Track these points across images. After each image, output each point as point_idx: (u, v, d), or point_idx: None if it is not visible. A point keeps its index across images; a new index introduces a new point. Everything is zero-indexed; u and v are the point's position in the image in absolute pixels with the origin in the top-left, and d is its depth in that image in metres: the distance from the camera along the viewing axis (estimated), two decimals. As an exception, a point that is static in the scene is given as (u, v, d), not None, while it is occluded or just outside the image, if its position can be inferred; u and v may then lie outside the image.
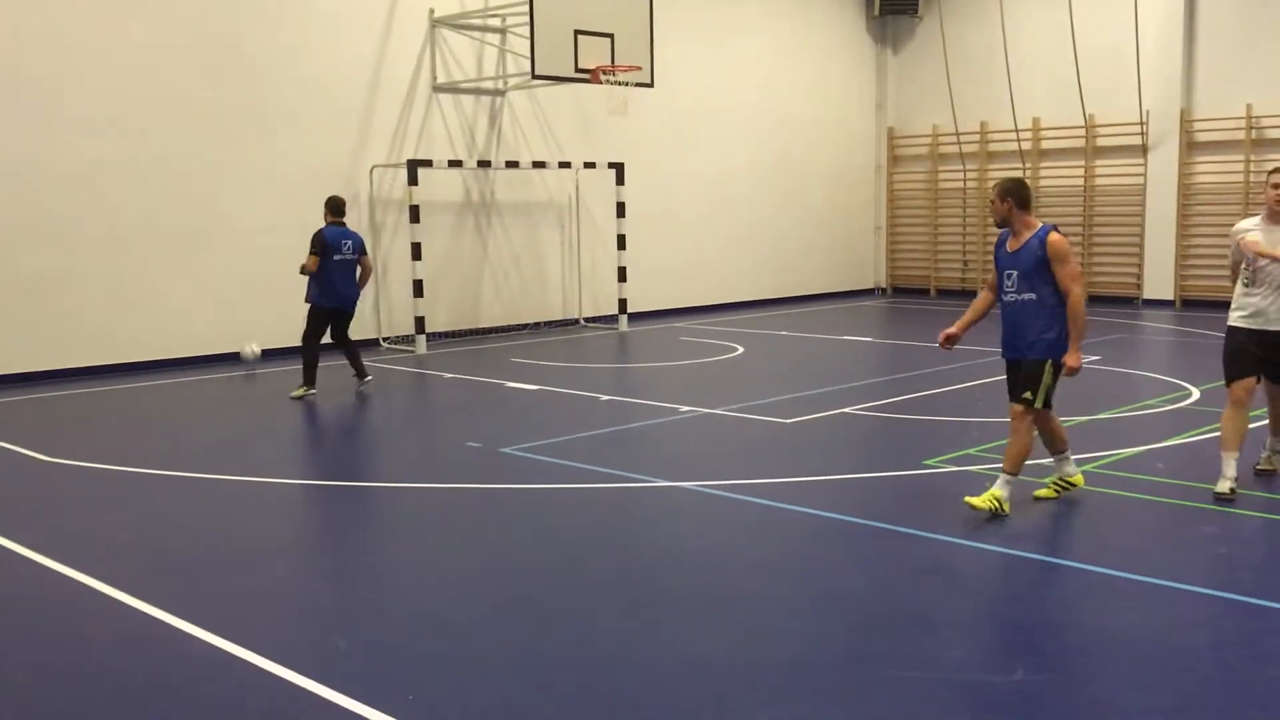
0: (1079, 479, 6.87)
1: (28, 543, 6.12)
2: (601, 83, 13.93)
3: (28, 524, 6.58)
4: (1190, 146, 17.41)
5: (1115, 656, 4.52)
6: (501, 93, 15.39)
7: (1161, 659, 4.50)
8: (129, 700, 4.29)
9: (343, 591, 5.54)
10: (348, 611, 5.23)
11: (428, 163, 14.05)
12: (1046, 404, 6.54)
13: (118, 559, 5.96)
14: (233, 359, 12.96)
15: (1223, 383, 6.98)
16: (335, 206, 10.99)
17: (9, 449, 8.56)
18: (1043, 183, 18.99)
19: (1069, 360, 6.42)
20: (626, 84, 14.16)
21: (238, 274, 13.17)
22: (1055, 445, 6.81)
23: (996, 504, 6.36)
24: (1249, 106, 16.62)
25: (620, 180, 15.91)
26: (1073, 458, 6.88)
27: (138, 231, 12.44)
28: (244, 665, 4.50)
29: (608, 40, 13.94)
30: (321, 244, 10.68)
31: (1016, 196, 6.84)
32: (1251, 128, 16.68)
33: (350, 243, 10.88)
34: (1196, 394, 9.94)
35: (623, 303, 16.14)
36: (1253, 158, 16.76)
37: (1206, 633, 4.78)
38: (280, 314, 13.50)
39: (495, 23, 15.00)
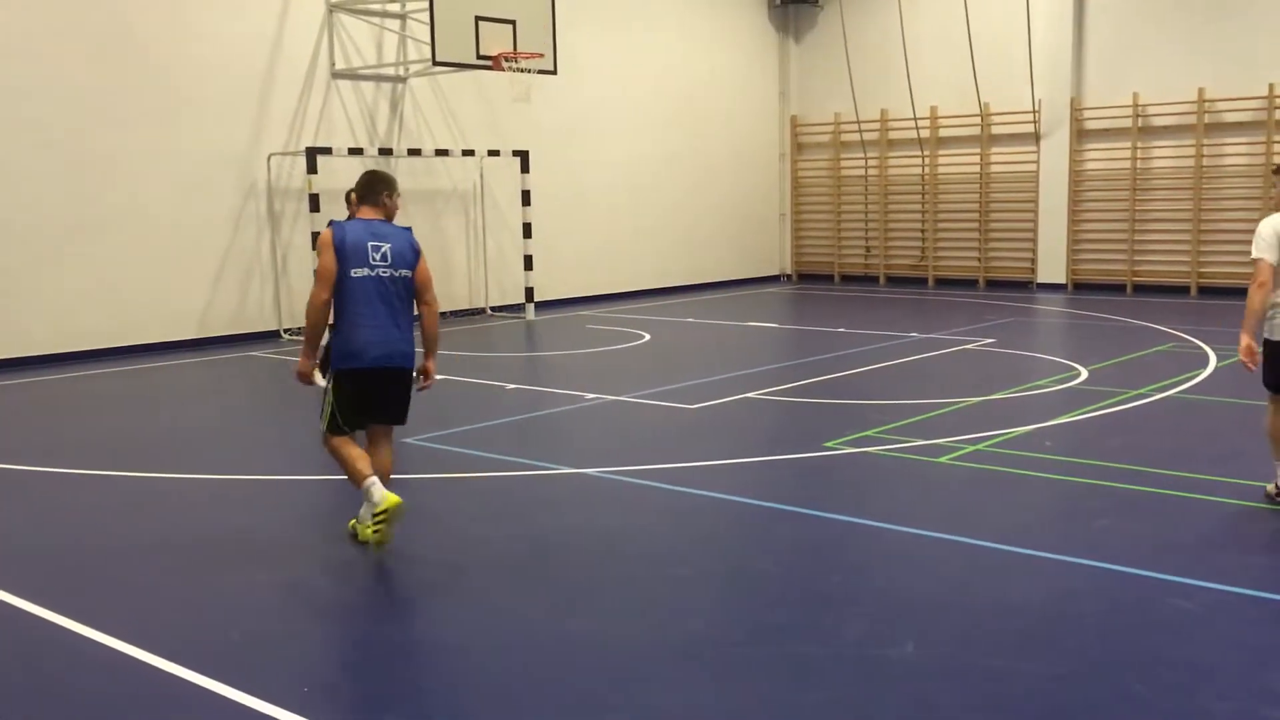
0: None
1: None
2: (504, 70, 13.84)
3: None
4: (1080, 134, 17.94)
5: (1007, 628, 4.67)
6: (403, 79, 15.19)
7: (1050, 629, 4.65)
8: (20, 703, 4.16)
9: (239, 587, 5.43)
10: (244, 607, 5.13)
11: (327, 150, 13.81)
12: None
13: (25, 564, 5.77)
14: (123, 352, 12.61)
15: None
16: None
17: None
18: (940, 170, 19.39)
19: None
20: (529, 71, 14.09)
21: (129, 265, 12.81)
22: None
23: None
24: (1135, 95, 17.19)
25: (525, 168, 15.82)
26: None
27: (22, 221, 12.00)
28: (141, 665, 4.40)
29: (509, 27, 13.85)
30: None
31: None
32: (1138, 115, 17.24)
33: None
34: (1085, 374, 10.27)
35: (529, 291, 16.08)
36: (1139, 144, 17.34)
37: (1093, 602, 4.95)
38: (172, 305, 13.19)
39: (395, 8, 14.79)
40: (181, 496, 7.01)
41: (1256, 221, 17.44)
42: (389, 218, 5.86)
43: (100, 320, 12.62)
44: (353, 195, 7.18)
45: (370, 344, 5.63)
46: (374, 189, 5.81)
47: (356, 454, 5.67)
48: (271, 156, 13.86)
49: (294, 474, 7.43)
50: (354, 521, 5.90)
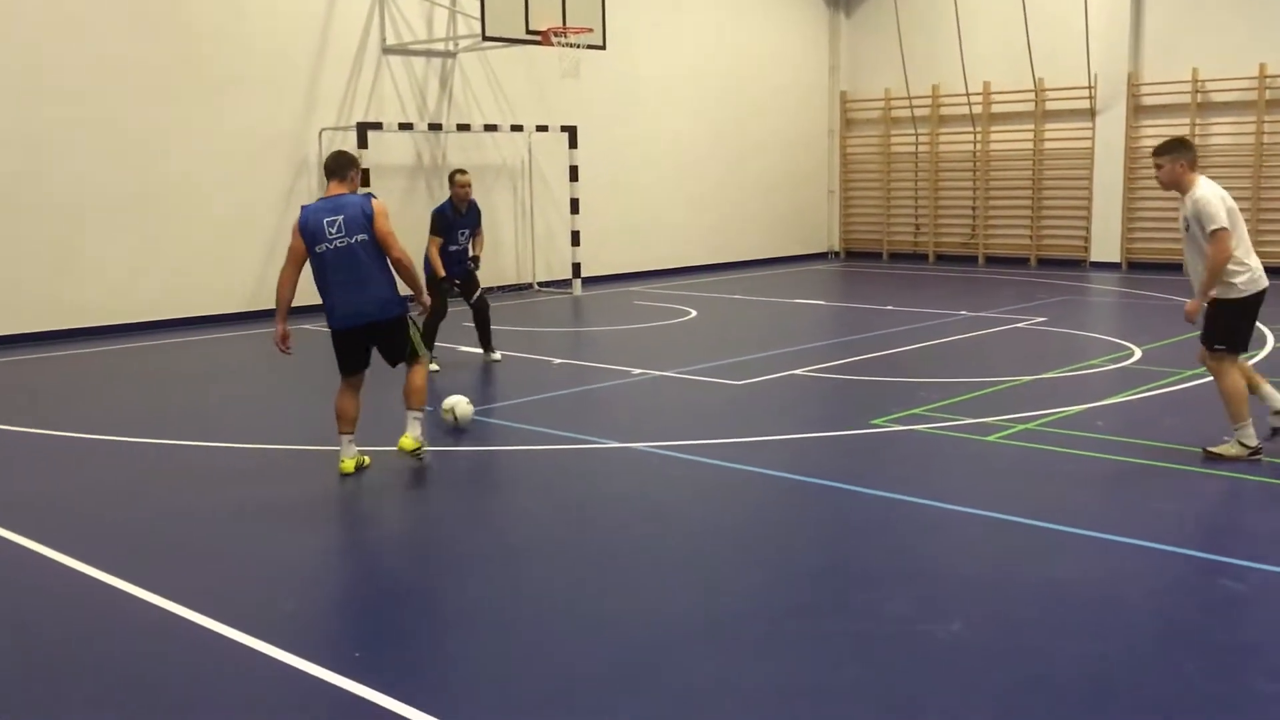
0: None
1: (-30, 509, 6.06)
2: (553, 44, 13.84)
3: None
4: (1137, 110, 17.61)
5: (1053, 607, 4.64)
6: (452, 54, 15.24)
7: (1098, 609, 4.62)
8: (72, 661, 4.28)
9: (292, 553, 5.53)
10: (299, 574, 5.23)
11: (378, 125, 13.91)
12: None
13: (59, 522, 5.92)
14: (181, 324, 12.83)
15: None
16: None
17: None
18: (993, 147, 19.13)
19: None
20: (578, 46, 14.07)
21: (183, 239, 13.00)
22: None
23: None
24: (1195, 70, 16.83)
25: (574, 144, 15.83)
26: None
27: (79, 197, 12.23)
28: (197, 628, 4.51)
29: (559, 2, 13.83)
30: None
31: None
32: (1197, 91, 16.89)
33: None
34: (1139, 353, 10.13)
35: (576, 267, 16.12)
36: (1198, 121, 16.99)
37: (1142, 582, 4.91)
38: (225, 279, 13.37)
39: (445, -17, 14.83)
40: (232, 465, 7.14)
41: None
42: (353, 190, 6.71)
43: (154, 293, 12.84)
44: (457, 175, 10.07)
45: (335, 308, 6.57)
46: (343, 166, 6.72)
47: (341, 407, 6.73)
48: (323, 132, 13.98)
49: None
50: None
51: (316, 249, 6.45)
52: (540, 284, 16.42)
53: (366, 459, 6.80)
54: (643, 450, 7.18)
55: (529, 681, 4.07)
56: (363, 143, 13.63)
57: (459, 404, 7.77)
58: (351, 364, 6.76)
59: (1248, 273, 6.62)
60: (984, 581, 4.95)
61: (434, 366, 9.67)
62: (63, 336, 12.10)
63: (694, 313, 13.72)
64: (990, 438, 7.29)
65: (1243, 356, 6.91)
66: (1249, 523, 5.72)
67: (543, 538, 5.69)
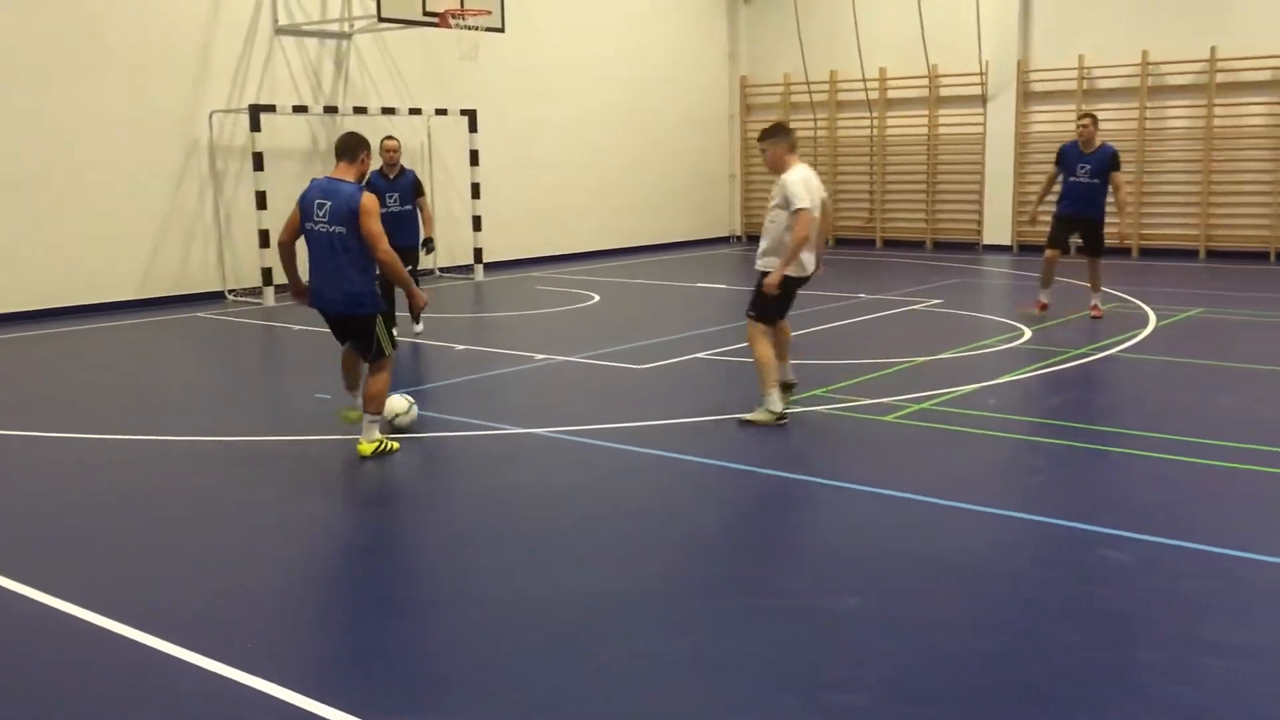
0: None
1: None
2: (451, 27, 13.67)
3: None
4: (1027, 96, 18.09)
5: (946, 580, 4.77)
6: (348, 36, 14.95)
7: (987, 581, 4.76)
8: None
9: (184, 547, 5.40)
10: (203, 571, 5.10)
11: (271, 108, 13.58)
12: None
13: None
14: (65, 313, 12.40)
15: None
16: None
17: None
18: (890, 132, 19.48)
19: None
20: (477, 28, 13.92)
21: (66, 224, 12.54)
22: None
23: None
24: (1081, 57, 17.34)
25: (474, 128, 15.67)
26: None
27: (-44, 180, 11.71)
28: (86, 626, 4.37)
29: (457, -17, 13.66)
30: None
31: None
32: (1084, 78, 17.42)
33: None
34: (1029, 334, 10.43)
35: (478, 252, 15.98)
36: (1085, 107, 17.51)
37: (1029, 555, 5.07)
38: (113, 266, 12.96)
39: (340, -37, 14.53)
40: (128, 457, 6.93)
41: (1199, 184, 17.73)
42: (360, 177, 6.64)
43: (38, 281, 12.37)
44: (383, 140, 10.32)
45: (313, 288, 6.71)
46: (351, 148, 6.60)
47: (343, 366, 7.10)
48: (214, 114, 13.60)
49: (244, 434, 7.36)
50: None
51: (306, 226, 6.57)
52: (442, 270, 16.25)
53: (355, 414, 6.98)
54: (547, 435, 7.17)
55: (443, 666, 4.04)
56: (255, 125, 13.31)
57: (400, 411, 7.25)
58: (339, 338, 7.00)
59: (809, 257, 7.31)
60: (880, 556, 5.07)
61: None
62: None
63: (597, 297, 13.72)
64: (888, 417, 7.45)
65: None
66: (1129, 495, 5.94)
67: (450, 524, 5.65)
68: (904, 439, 7.07)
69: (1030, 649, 4.12)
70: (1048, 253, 11.39)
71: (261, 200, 13.56)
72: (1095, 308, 11.23)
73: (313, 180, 6.76)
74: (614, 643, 4.22)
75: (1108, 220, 11.31)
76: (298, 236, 6.68)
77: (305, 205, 6.57)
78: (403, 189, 10.42)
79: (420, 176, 11.05)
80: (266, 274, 13.63)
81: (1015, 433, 7.10)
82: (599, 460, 6.72)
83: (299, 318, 12.29)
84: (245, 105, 13.55)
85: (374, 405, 6.73)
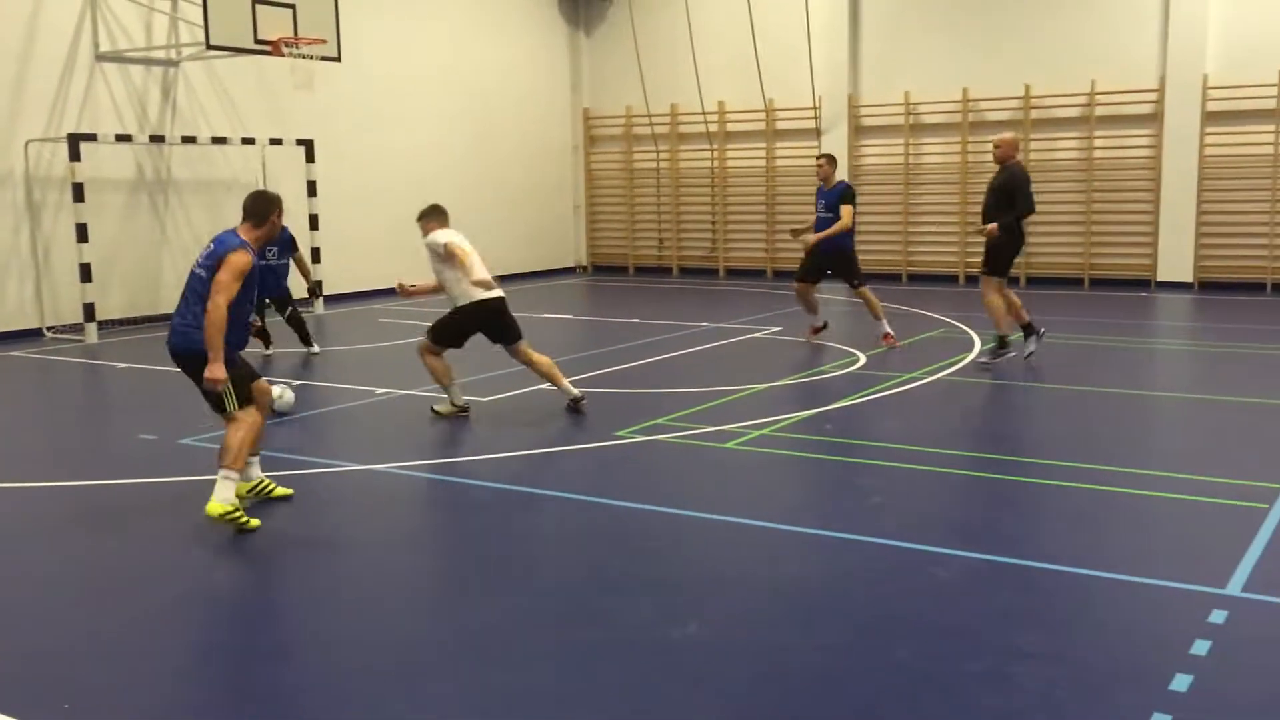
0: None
1: None
2: (284, 55, 13.36)
3: None
4: (858, 130, 18.77)
5: (783, 603, 4.86)
6: (175, 63, 14.45)
7: (823, 602, 4.87)
8: None
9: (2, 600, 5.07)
10: (9, 621, 4.79)
11: (92, 137, 13.01)
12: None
13: None
14: None
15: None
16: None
17: None
18: (729, 163, 19.91)
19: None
20: (311, 57, 13.65)
21: None
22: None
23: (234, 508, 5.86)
24: (907, 94, 18.10)
25: (310, 158, 15.34)
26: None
27: None
28: None
29: (289, 11, 13.38)
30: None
31: None
32: (910, 113, 18.18)
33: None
34: (864, 359, 10.77)
35: (317, 284, 15.59)
36: (911, 141, 18.29)
37: (862, 574, 5.21)
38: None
39: (165, -12, 14.06)
40: (-74, 509, 6.47)
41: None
42: (266, 239, 6.43)
43: None
44: None
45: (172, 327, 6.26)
46: (260, 211, 6.33)
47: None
48: (29, 143, 12.94)
49: (65, 480, 6.97)
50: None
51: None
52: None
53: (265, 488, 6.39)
54: (385, 471, 7.02)
55: (282, 716, 3.88)
56: (75, 155, 12.72)
57: (284, 392, 8.31)
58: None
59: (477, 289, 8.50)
60: (719, 583, 5.13)
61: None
62: None
63: (441, 329, 13.53)
64: (728, 444, 7.56)
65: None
66: (956, 514, 6.18)
67: (280, 565, 5.46)
68: (744, 465, 7.19)
69: (863, 667, 4.22)
70: (797, 286, 11.96)
71: (83, 233, 12.94)
72: (887, 336, 11.48)
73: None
74: (449, 679, 4.14)
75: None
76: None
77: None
78: (281, 244, 11.28)
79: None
80: (89, 310, 13.00)
81: (851, 456, 7.31)
82: (440, 496, 6.62)
83: (125, 354, 11.76)
84: (64, 134, 12.94)
85: (225, 458, 5.95)
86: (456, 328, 8.57)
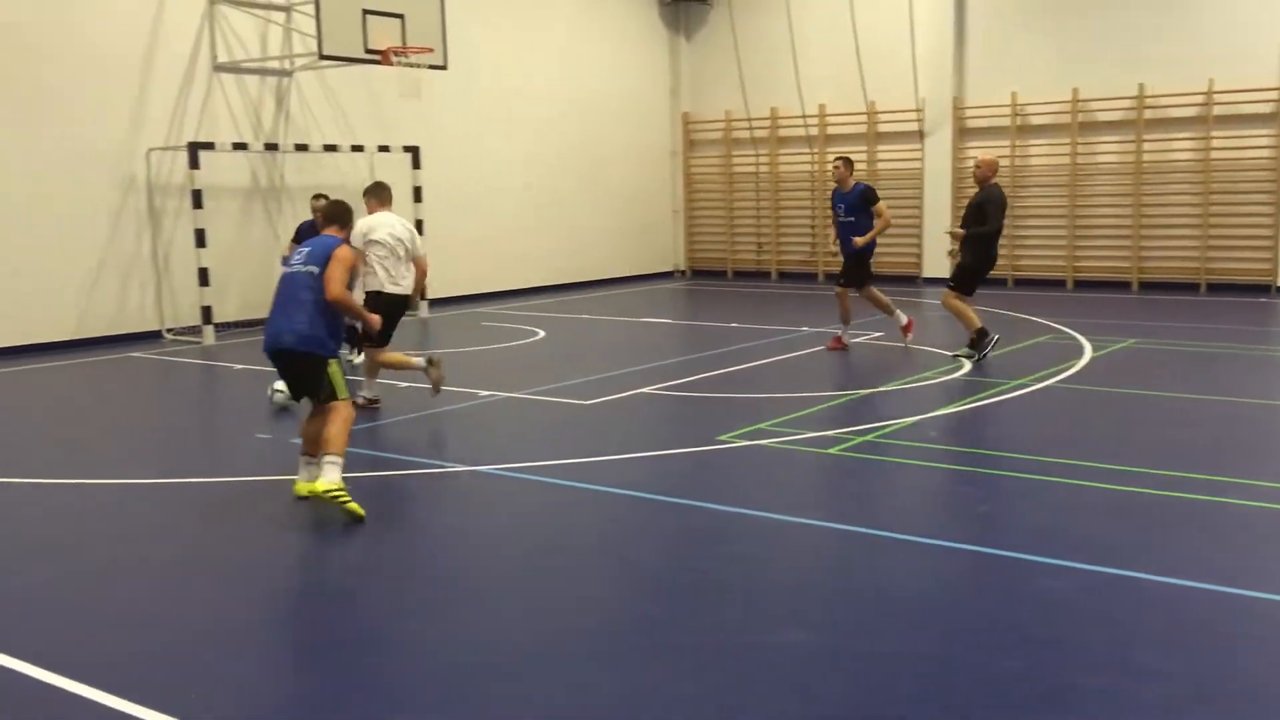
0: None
1: None
2: (393, 64, 13.67)
3: None
4: (962, 132, 18.45)
5: (887, 612, 4.81)
6: (289, 73, 14.89)
7: (929, 612, 4.81)
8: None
9: (116, 592, 5.29)
10: (125, 614, 5.00)
11: (210, 145, 13.47)
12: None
13: None
14: (6, 354, 12.15)
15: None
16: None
17: None
18: (828, 167, 19.73)
19: None
20: (419, 66, 13.94)
21: (4, 262, 12.31)
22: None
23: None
24: (1014, 94, 17.74)
25: (417, 164, 15.66)
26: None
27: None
28: (19, 676, 4.26)
29: (398, 21, 13.68)
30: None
31: None
32: (1016, 114, 17.81)
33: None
34: (968, 365, 10.58)
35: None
36: (1018, 143, 17.92)
37: (970, 584, 5.13)
38: (47, 305, 12.72)
39: (280, 1, 14.49)
40: (65, 503, 6.78)
41: (1128, 218, 18.02)
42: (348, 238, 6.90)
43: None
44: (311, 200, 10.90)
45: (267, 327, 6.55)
46: (343, 216, 6.94)
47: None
48: (151, 151, 13.46)
49: (185, 476, 7.24)
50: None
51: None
52: (385, 306, 16.12)
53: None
54: (491, 473, 7.13)
55: (381, 710, 3.98)
56: (194, 163, 13.18)
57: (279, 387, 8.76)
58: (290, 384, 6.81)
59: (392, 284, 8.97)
60: (823, 590, 5.10)
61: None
62: None
63: (542, 333, 13.71)
64: (831, 450, 7.51)
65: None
66: (1066, 525, 6.03)
67: (391, 565, 5.59)
68: (847, 471, 7.13)
69: (970, 679, 4.16)
70: (841, 290, 11.92)
71: (200, 238, 13.41)
72: (837, 339, 11.71)
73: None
74: (548, 684, 4.19)
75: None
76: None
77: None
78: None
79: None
80: (206, 312, 13.47)
81: (956, 464, 7.20)
82: (541, 497, 6.70)
83: (241, 356, 12.15)
84: (184, 143, 13.43)
85: (332, 445, 6.24)
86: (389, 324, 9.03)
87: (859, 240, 11.54)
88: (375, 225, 8.93)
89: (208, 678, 4.32)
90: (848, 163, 11.73)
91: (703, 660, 4.34)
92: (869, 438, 7.82)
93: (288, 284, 6.46)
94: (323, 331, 6.37)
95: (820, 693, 4.06)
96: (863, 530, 5.85)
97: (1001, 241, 13.23)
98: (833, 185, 12.01)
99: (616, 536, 6.02)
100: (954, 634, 4.57)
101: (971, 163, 18.31)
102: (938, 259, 18.74)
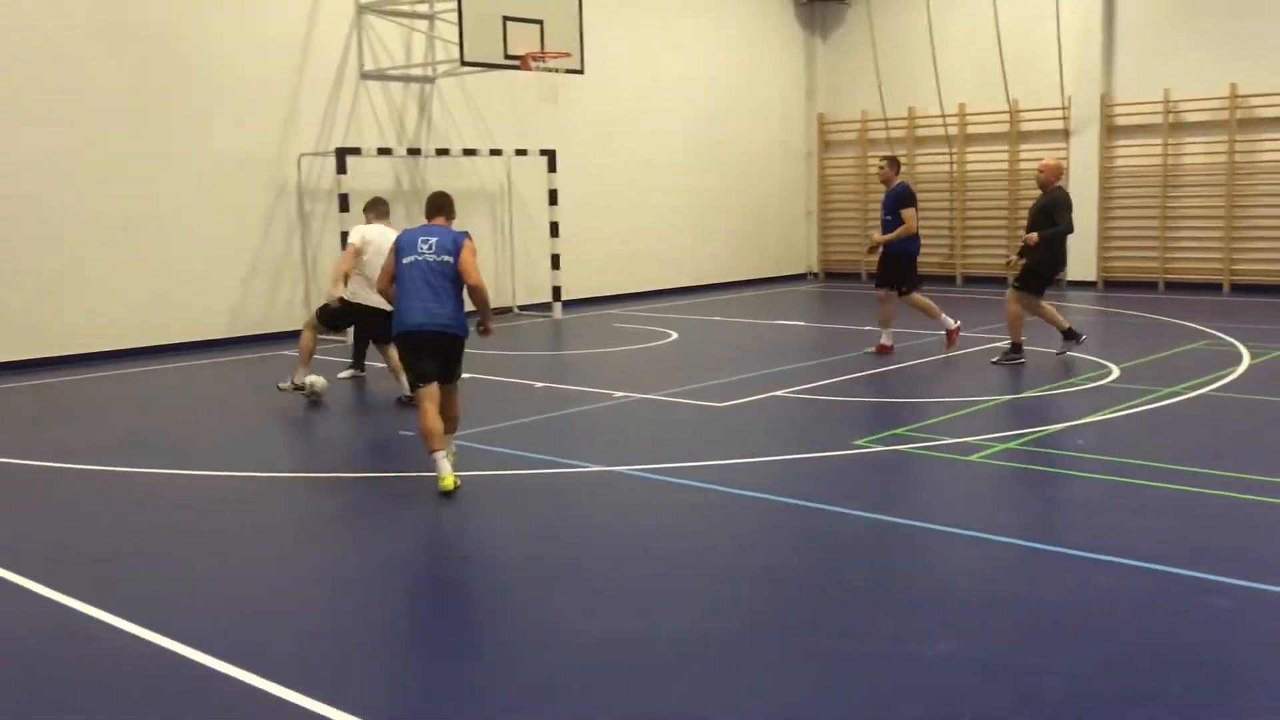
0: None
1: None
2: (532, 69, 13.88)
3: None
4: (1111, 131, 17.80)
5: (1036, 626, 4.65)
6: (430, 79, 15.27)
7: (1081, 627, 4.63)
8: (69, 700, 4.23)
9: (276, 585, 5.49)
10: (282, 607, 5.19)
11: (356, 150, 13.91)
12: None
13: (51, 556, 5.85)
14: (161, 350, 12.75)
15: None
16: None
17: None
18: (969, 168, 19.29)
19: None
20: (557, 70, 14.12)
21: (164, 264, 12.94)
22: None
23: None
24: (1166, 91, 17.03)
25: (552, 167, 15.87)
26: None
27: (61, 223, 12.14)
28: (187, 663, 4.46)
29: (537, 27, 13.89)
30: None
31: None
32: (1169, 112, 17.09)
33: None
34: (1117, 372, 10.20)
35: (556, 290, 16.12)
36: (1170, 141, 17.19)
37: (1125, 600, 4.92)
38: (203, 305, 13.30)
39: (423, 9, 14.87)
40: (219, 494, 7.09)
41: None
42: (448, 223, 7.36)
43: (135, 319, 12.75)
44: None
45: (410, 312, 6.93)
46: (448, 206, 7.46)
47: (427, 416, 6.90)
48: (302, 157, 13.97)
49: (328, 471, 7.48)
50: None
51: (404, 261, 6.97)
52: (520, 307, 16.42)
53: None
54: (626, 473, 7.17)
55: (516, 711, 4.04)
56: (341, 168, 13.62)
57: (316, 380, 9.67)
58: (422, 369, 7.01)
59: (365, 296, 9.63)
60: (970, 601, 4.96)
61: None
62: (44, 364, 11.99)
63: (674, 335, 13.74)
64: (972, 457, 7.32)
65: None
66: (1227, 539, 5.75)
67: (527, 563, 5.66)
68: (989, 479, 6.94)
69: (1128, 698, 3.99)
70: (878, 293, 11.93)
71: (346, 241, 13.82)
72: (880, 344, 11.70)
73: (405, 230, 7.27)
74: (690, 684, 4.18)
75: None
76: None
77: (404, 245, 7.03)
78: None
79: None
80: (350, 312, 13.89)
81: (1106, 474, 6.93)
82: (678, 499, 6.70)
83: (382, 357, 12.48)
84: (332, 148, 13.89)
85: (456, 426, 7.23)
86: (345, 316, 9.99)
87: (875, 237, 11.80)
88: (371, 238, 9.65)
89: (362, 666, 4.44)
90: (893, 162, 11.78)
91: (851, 668, 4.27)
92: (1012, 445, 7.59)
93: (424, 272, 6.84)
94: (463, 315, 6.96)
95: (970, 705, 3.95)
96: (1007, 540, 5.68)
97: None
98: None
99: (756, 540, 5.98)
100: (1112, 651, 4.39)
101: (1121, 162, 17.77)
102: (1082, 261, 18.13)
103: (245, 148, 13.45)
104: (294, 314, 14.15)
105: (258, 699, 4.08)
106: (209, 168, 13.18)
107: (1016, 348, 10.76)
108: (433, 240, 6.93)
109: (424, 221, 7.30)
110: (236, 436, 8.82)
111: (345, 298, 9.76)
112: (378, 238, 9.60)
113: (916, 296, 11.70)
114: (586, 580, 5.37)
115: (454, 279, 6.87)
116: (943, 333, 11.88)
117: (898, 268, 11.71)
